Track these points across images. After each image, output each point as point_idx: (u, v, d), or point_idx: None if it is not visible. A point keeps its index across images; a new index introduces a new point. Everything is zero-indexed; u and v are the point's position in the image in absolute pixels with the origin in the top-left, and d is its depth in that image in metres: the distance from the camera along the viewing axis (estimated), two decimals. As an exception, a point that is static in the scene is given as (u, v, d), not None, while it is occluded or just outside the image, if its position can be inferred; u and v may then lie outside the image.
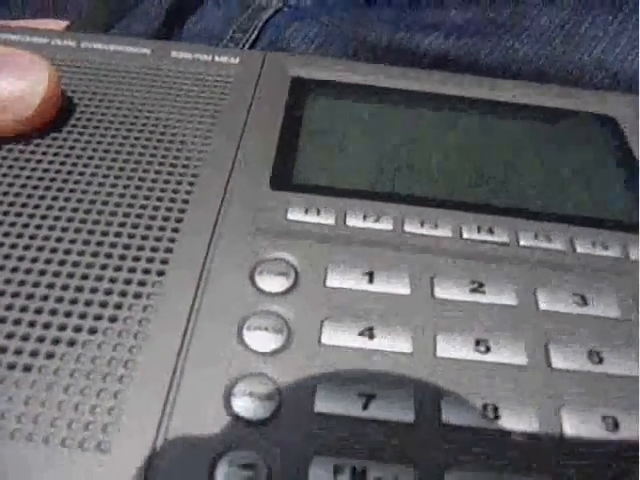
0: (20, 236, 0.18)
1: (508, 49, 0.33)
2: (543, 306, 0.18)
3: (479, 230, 0.19)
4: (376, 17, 0.36)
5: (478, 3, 0.34)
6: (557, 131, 0.24)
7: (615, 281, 0.19)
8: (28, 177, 0.20)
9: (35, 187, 0.20)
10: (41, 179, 0.20)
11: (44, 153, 0.21)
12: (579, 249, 0.19)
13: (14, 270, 0.17)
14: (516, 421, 0.15)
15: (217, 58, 0.25)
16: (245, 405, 0.15)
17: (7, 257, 0.18)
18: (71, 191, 0.20)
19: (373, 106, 0.24)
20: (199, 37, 0.38)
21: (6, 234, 0.18)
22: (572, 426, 0.15)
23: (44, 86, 0.20)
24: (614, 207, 0.21)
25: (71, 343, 0.16)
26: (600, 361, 0.17)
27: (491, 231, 0.19)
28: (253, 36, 0.38)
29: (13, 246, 0.18)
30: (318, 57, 0.26)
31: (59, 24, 0.33)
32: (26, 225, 0.18)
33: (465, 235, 0.19)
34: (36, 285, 0.17)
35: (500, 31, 0.33)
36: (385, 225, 0.19)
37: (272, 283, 0.17)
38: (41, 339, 0.16)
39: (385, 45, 0.35)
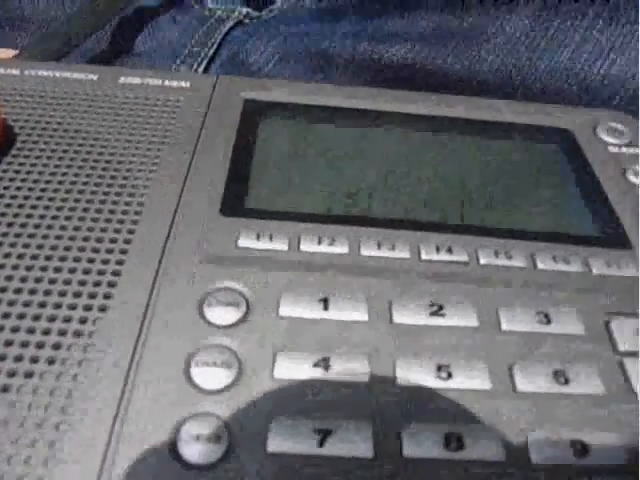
0: None
1: (473, 58, 0.33)
2: (505, 326, 0.17)
3: (438, 250, 0.19)
4: (338, 29, 0.36)
5: (441, 12, 0.34)
6: (513, 146, 0.24)
7: (578, 297, 0.18)
8: None
9: None
10: None
11: None
12: (540, 265, 0.19)
13: None
14: (482, 451, 0.15)
15: (167, 82, 0.25)
16: (191, 449, 0.14)
17: None
18: (9, 225, 0.18)
19: (327, 127, 0.24)
20: (155, 54, 0.38)
21: None
22: (540, 453, 0.15)
23: None
24: (573, 222, 0.21)
25: (4, 389, 0.15)
26: (566, 382, 0.16)
27: (450, 250, 0.19)
28: (212, 50, 0.37)
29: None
30: (271, 80, 0.25)
31: (7, 52, 0.32)
32: None
33: (423, 256, 0.19)
34: None
35: (465, 40, 0.33)
36: (340, 249, 0.19)
37: (222, 315, 0.17)
38: None
39: (348, 57, 0.35)
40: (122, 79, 0.24)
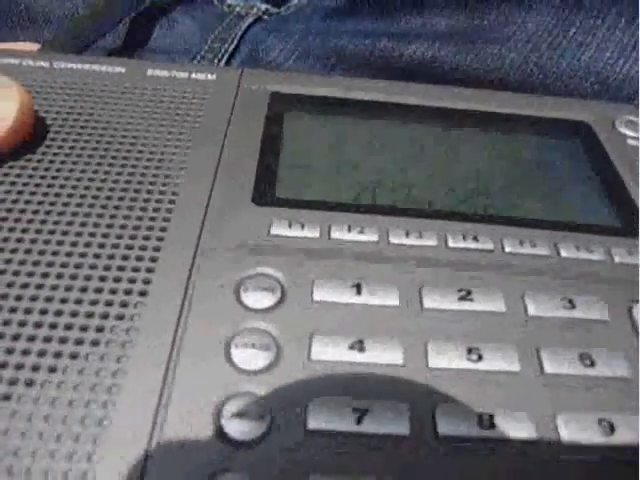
0: None
1: (494, 56, 0.32)
2: (532, 312, 0.18)
3: (464, 238, 0.19)
4: (356, 27, 0.36)
5: (461, 9, 0.34)
6: (534, 140, 0.25)
7: (601, 283, 0.19)
8: (1, 200, 0.19)
9: (9, 210, 0.19)
10: (15, 202, 0.19)
11: (18, 175, 0.20)
12: (563, 253, 0.19)
13: None
14: (512, 429, 0.15)
15: (194, 75, 0.25)
16: (235, 426, 0.15)
17: None
18: (47, 213, 0.19)
19: (353, 120, 0.24)
20: (173, 50, 0.38)
21: None
22: (569, 431, 0.15)
23: (16, 108, 0.20)
24: (595, 212, 0.22)
25: (52, 369, 0.15)
26: (592, 364, 0.17)
27: (476, 239, 0.19)
28: (232, 47, 0.37)
29: (-12, 271, 0.17)
30: (296, 73, 0.26)
31: (32, 46, 0.33)
32: (0, 249, 0.18)
33: (450, 244, 0.19)
34: (13, 311, 0.16)
35: (485, 37, 0.33)
36: (370, 237, 0.19)
37: (258, 299, 0.17)
38: (19, 366, 0.15)
39: (366, 55, 0.35)
40: (150, 72, 0.25)
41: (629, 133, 0.25)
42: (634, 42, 0.30)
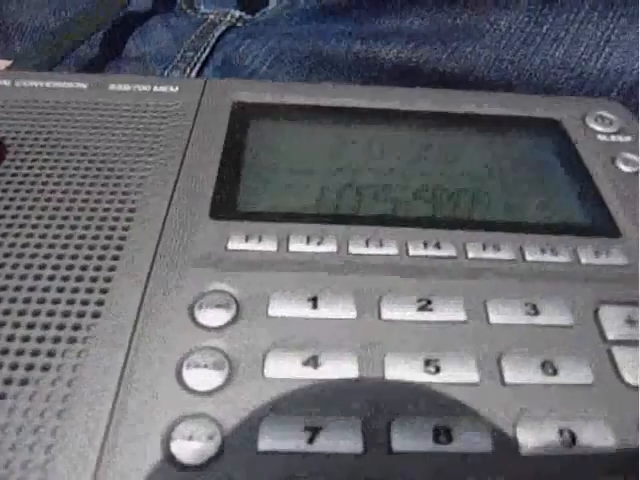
0: None
1: (469, 54, 0.32)
2: (494, 319, 0.17)
3: (425, 245, 0.19)
4: (332, 29, 0.36)
5: (435, 9, 0.34)
6: (502, 139, 0.24)
7: (567, 287, 0.18)
8: None
9: None
10: None
11: None
12: (528, 257, 0.19)
13: None
14: (470, 443, 0.15)
15: (156, 88, 0.25)
16: (184, 449, 0.14)
17: None
18: (2, 235, 0.19)
19: (316, 126, 0.24)
20: (147, 59, 0.38)
21: None
22: (528, 442, 0.15)
23: None
24: (562, 212, 0.21)
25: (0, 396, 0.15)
26: (554, 372, 0.16)
27: (438, 245, 0.19)
28: (204, 55, 0.37)
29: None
30: (260, 81, 0.26)
31: (3, 63, 0.32)
32: None
33: (411, 252, 0.19)
34: None
35: (460, 36, 0.33)
36: (329, 247, 0.19)
37: (212, 317, 0.17)
38: None
39: (343, 57, 0.35)
40: (112, 86, 0.25)
41: (599, 129, 0.24)
42: (607, 36, 0.30)
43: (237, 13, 0.40)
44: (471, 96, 0.26)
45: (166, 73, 0.36)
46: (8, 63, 0.32)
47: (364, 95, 0.25)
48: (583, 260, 0.19)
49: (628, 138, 0.24)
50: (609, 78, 0.30)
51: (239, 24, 0.39)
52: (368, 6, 0.36)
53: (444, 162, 0.23)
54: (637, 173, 0.23)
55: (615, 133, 0.24)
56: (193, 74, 0.37)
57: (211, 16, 0.39)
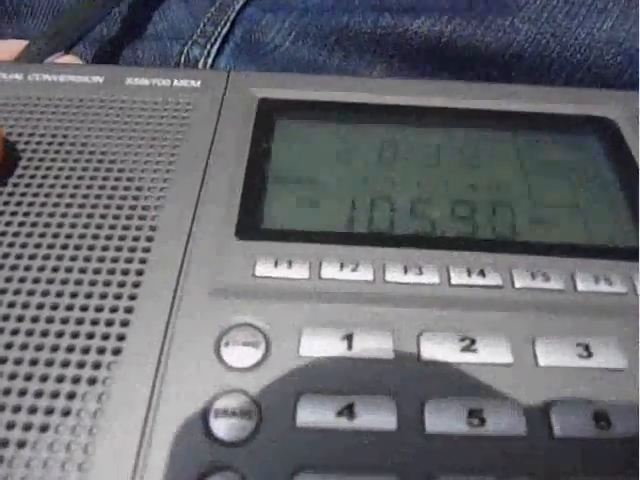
0: None
1: (506, 28, 0.30)
2: (543, 362, 0.16)
3: (469, 273, 0.18)
4: (358, 2, 0.34)
5: None
6: (551, 142, 0.22)
7: (622, 323, 0.17)
8: None
9: None
10: None
11: None
12: (580, 286, 0.18)
13: None
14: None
15: (176, 82, 0.23)
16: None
17: None
18: (17, 257, 0.18)
19: (348, 126, 0.22)
20: (166, 35, 0.36)
21: None
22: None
23: None
24: (616, 231, 0.19)
25: (21, 444, 0.14)
26: (608, 425, 0.15)
27: (482, 273, 0.18)
28: (225, 29, 0.35)
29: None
30: (286, 74, 0.24)
31: (20, 43, 0.31)
32: None
33: (454, 280, 0.17)
34: None
35: (496, 9, 0.30)
36: (364, 275, 0.17)
37: (239, 356, 0.16)
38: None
39: (370, 32, 0.33)
40: (129, 80, 0.23)
41: (657, 130, 0.22)
42: None
43: None
44: (516, 90, 0.23)
45: (185, 50, 0.34)
46: (24, 43, 0.30)
47: (401, 90, 0.23)
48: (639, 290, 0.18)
49: None
50: None
51: None
52: None
53: (485, 171, 0.21)
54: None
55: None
56: (213, 50, 0.34)
57: None
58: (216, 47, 0.34)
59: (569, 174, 0.21)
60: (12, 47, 0.30)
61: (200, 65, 0.34)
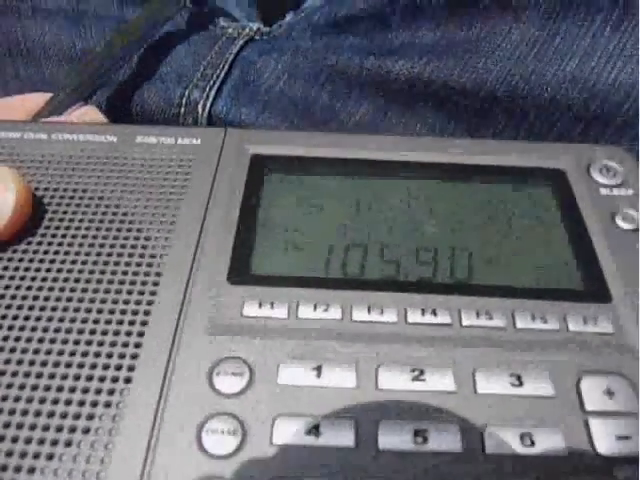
0: None
1: (480, 69, 0.33)
2: (481, 389, 0.19)
3: (423, 313, 0.21)
4: (345, 43, 0.37)
5: (446, 23, 0.35)
6: (504, 191, 0.25)
7: (552, 355, 0.20)
8: None
9: (1, 297, 0.21)
10: (7, 287, 0.21)
11: (10, 259, 0.22)
12: (519, 324, 0.21)
13: None
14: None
15: (179, 141, 0.27)
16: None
17: None
18: (34, 298, 0.21)
19: (330, 179, 0.26)
20: (169, 79, 0.39)
21: None
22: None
23: (13, 199, 0.22)
24: (557, 274, 0.22)
25: (31, 470, 0.18)
26: (532, 444, 0.18)
27: (434, 313, 0.21)
28: (223, 72, 0.39)
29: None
30: (278, 132, 0.27)
31: (44, 96, 0.34)
32: None
33: (410, 319, 0.21)
34: None
35: (471, 50, 0.33)
36: (334, 314, 0.21)
37: (228, 384, 0.19)
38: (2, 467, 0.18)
39: (356, 72, 0.36)
40: (139, 138, 0.27)
41: (602, 181, 0.25)
42: (620, 49, 0.30)
43: (255, 26, 0.41)
44: (479, 144, 0.27)
45: (186, 93, 0.38)
46: (41, 97, 0.34)
47: (376, 145, 0.26)
48: (571, 327, 0.21)
49: (630, 192, 0.25)
50: (622, 91, 0.30)
51: (256, 37, 0.40)
52: (380, 20, 0.36)
53: (447, 218, 0.24)
54: (636, 230, 0.24)
55: (618, 186, 0.25)
56: (212, 93, 0.38)
57: (229, 30, 0.41)
58: (215, 89, 0.38)
59: (523, 222, 0.24)
60: (35, 100, 0.34)
61: (199, 107, 0.38)
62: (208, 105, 0.38)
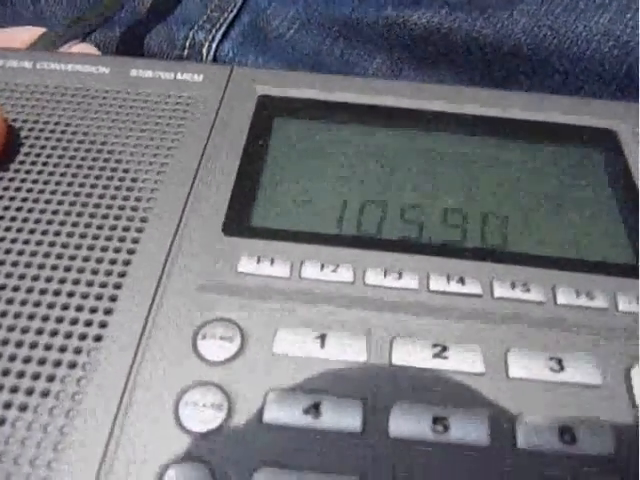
0: None
1: (505, 21, 0.30)
2: (513, 373, 0.16)
3: (448, 279, 0.18)
4: None
5: None
6: (548, 152, 0.22)
7: (599, 338, 0.17)
8: None
9: None
10: None
11: None
12: (561, 299, 0.18)
13: None
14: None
15: (179, 76, 0.23)
16: (175, 495, 0.14)
17: None
18: (12, 241, 0.18)
19: (344, 127, 0.22)
20: (172, 21, 0.36)
21: None
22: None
23: None
24: (605, 245, 0.19)
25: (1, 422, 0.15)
26: (572, 440, 0.15)
27: (462, 281, 0.18)
28: (231, 15, 0.35)
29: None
30: (289, 72, 0.24)
31: (36, 31, 0.31)
32: None
33: (432, 286, 0.18)
34: None
35: (496, 1, 0.31)
36: (344, 276, 0.18)
37: (215, 350, 0.16)
38: None
39: (372, 23, 0.33)
40: (134, 72, 0.24)
41: (657, 143, 0.22)
42: None
43: None
44: (518, 97, 0.23)
45: (191, 34, 0.35)
46: (38, 31, 0.31)
47: (401, 92, 0.23)
48: (621, 307, 0.17)
49: None
50: None
51: None
52: None
53: (480, 178, 0.21)
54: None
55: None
56: (218, 35, 0.35)
57: None
58: (221, 32, 0.34)
59: (566, 185, 0.21)
60: (24, 35, 0.31)
61: (204, 50, 0.35)
62: (213, 47, 0.34)
